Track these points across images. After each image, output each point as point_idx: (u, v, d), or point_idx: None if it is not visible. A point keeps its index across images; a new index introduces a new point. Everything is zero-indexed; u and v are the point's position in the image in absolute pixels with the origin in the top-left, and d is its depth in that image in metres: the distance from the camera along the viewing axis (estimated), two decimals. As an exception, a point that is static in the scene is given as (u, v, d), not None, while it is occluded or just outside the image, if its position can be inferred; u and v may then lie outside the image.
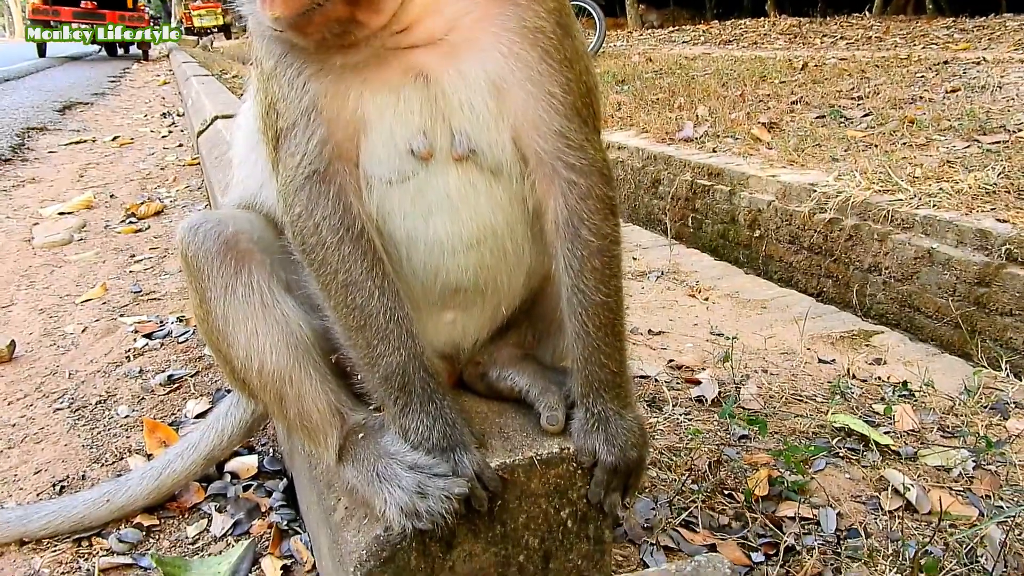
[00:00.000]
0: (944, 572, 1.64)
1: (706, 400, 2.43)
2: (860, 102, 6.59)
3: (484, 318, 1.50)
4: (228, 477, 2.06)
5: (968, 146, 4.89)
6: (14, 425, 2.40)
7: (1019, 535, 1.77)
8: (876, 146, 5.18)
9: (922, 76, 7.26)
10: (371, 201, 1.31)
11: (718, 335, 3.03)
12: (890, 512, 1.88)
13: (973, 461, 2.08)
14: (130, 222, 4.90)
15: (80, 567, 1.75)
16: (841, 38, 12.15)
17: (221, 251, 1.39)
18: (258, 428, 2.05)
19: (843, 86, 7.27)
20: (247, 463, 2.09)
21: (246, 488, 2.01)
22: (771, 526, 1.83)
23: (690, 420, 2.31)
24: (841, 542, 1.77)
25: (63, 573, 1.73)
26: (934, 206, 3.92)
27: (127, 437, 2.30)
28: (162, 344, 2.98)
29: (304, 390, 1.38)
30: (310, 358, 1.39)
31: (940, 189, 4.10)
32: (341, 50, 1.23)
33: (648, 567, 1.69)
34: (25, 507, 1.91)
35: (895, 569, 1.65)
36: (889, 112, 6.02)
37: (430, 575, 1.28)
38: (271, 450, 2.18)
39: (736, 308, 3.37)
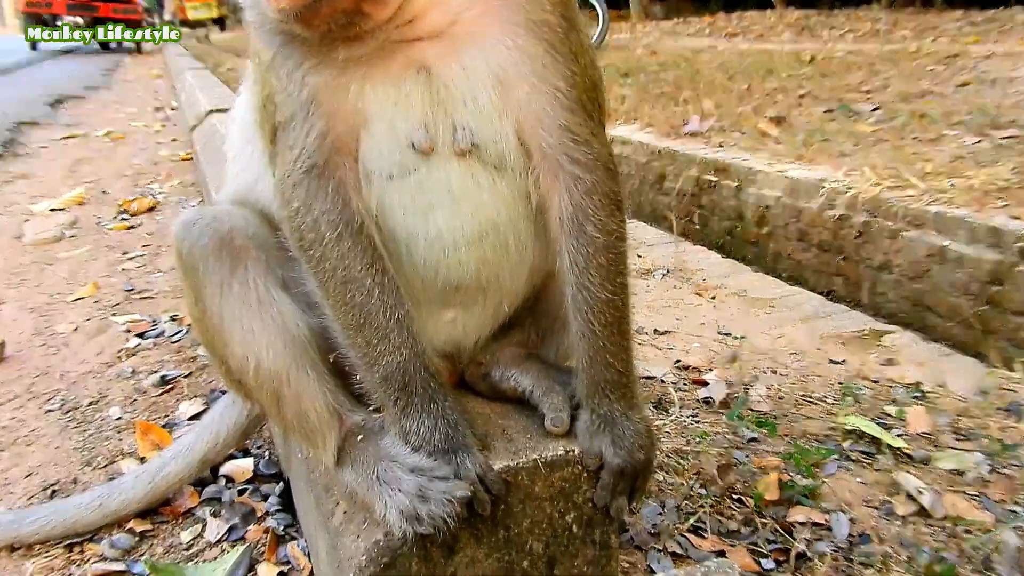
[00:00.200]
0: (959, 578, 1.63)
1: (714, 401, 2.42)
2: (869, 96, 6.57)
3: (486, 316, 1.49)
4: (223, 481, 2.05)
5: (979, 141, 4.87)
6: (4, 427, 2.40)
7: (1036, 540, 1.76)
8: (886, 141, 5.16)
9: (932, 70, 7.25)
10: (371, 196, 1.31)
11: (726, 335, 3.02)
12: (903, 517, 1.87)
13: (988, 464, 2.07)
14: (122, 219, 4.89)
15: (72, 573, 1.75)
16: (849, 31, 12.14)
17: (217, 248, 1.39)
18: (254, 430, 2.04)
19: (852, 80, 7.26)
20: (242, 466, 2.09)
21: (241, 492, 2.01)
22: (781, 531, 1.82)
23: (697, 422, 2.30)
24: (853, 548, 1.76)
25: (54, 579, 1.73)
26: (945, 202, 3.90)
27: (119, 440, 2.30)
28: (155, 344, 2.97)
29: (301, 390, 1.38)
30: (308, 357, 1.38)
31: (951, 185, 4.08)
32: (344, 42, 1.23)
33: (655, 574, 1.68)
34: (16, 512, 1.91)
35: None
36: (899, 106, 6.00)
37: (431, 581, 1.28)
38: (267, 453, 2.18)
39: (744, 307, 3.36)
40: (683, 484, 1.98)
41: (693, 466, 2.05)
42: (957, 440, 2.23)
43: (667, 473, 2.02)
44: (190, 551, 1.82)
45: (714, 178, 5.40)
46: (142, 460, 2.14)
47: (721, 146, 5.77)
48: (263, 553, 1.77)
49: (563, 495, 1.33)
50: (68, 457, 2.21)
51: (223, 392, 2.25)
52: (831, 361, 2.80)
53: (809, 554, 1.74)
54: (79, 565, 1.77)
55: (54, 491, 2.06)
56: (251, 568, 1.74)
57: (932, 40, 9.73)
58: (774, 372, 2.69)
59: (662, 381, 2.55)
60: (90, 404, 2.52)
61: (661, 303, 3.37)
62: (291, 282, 1.42)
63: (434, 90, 1.26)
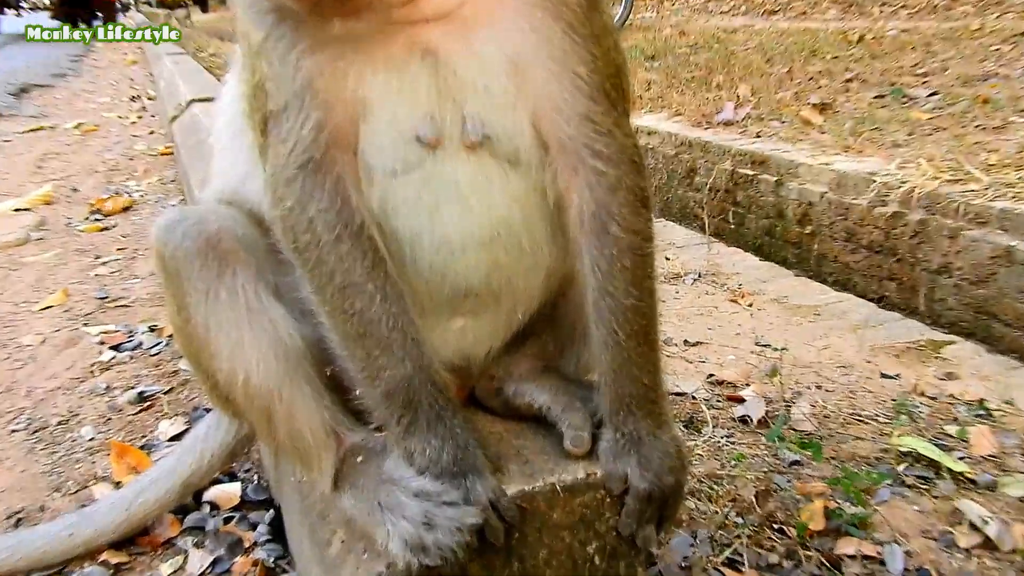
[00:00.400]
0: (1029, 618, 1.63)
1: (751, 421, 2.43)
2: (925, 79, 6.55)
3: (498, 325, 1.51)
4: (207, 508, 2.07)
5: (1051, 129, 4.85)
6: (-34, 449, 2.43)
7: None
8: (944, 129, 5.15)
9: (997, 49, 7.21)
10: (372, 194, 1.32)
11: (764, 346, 3.02)
12: (966, 550, 1.86)
13: (1062, 491, 2.07)
14: (95, 219, 4.94)
15: (41, 609, 1.77)
16: (902, 6, 12.07)
17: (202, 251, 1.40)
18: (242, 452, 2.06)
19: (905, 61, 7.23)
20: (229, 492, 2.11)
21: (227, 520, 2.02)
22: (828, 565, 1.82)
23: (733, 444, 2.30)
24: (909, 584, 1.76)
25: (22, 615, 1.75)
26: (1013, 198, 3.88)
27: (92, 463, 2.32)
28: (131, 357, 3.00)
29: (295, 407, 1.39)
30: (302, 371, 1.40)
31: (1019, 178, 4.07)
32: (341, 18, 1.23)
33: (686, 611, 1.69)
34: (-22, 542, 1.92)
35: (972, 615, 1.65)
36: (959, 91, 5.98)
37: (439, 618, 1.29)
38: (256, 477, 2.19)
39: (785, 315, 3.36)
40: (717, 512, 1.98)
41: (728, 492, 2.05)
42: (1026, 464, 2.23)
43: (699, 500, 2.03)
44: (171, 585, 1.84)
45: (751, 172, 5.40)
46: (117, 485, 2.16)
47: (758, 136, 5.77)
48: (251, 587, 1.79)
49: (584, 523, 1.34)
50: (35, 482, 2.24)
51: (207, 410, 2.27)
52: (883, 375, 2.79)
53: (859, 591, 1.74)
54: (49, 601, 1.80)
55: (19, 519, 2.08)
56: (238, 604, 1.75)
57: (997, 16, 9.67)
58: (819, 388, 2.69)
59: (694, 398, 2.55)
60: (59, 423, 2.55)
61: (692, 311, 3.37)
62: (284, 288, 1.44)
63: (441, 77, 1.27)
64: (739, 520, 1.95)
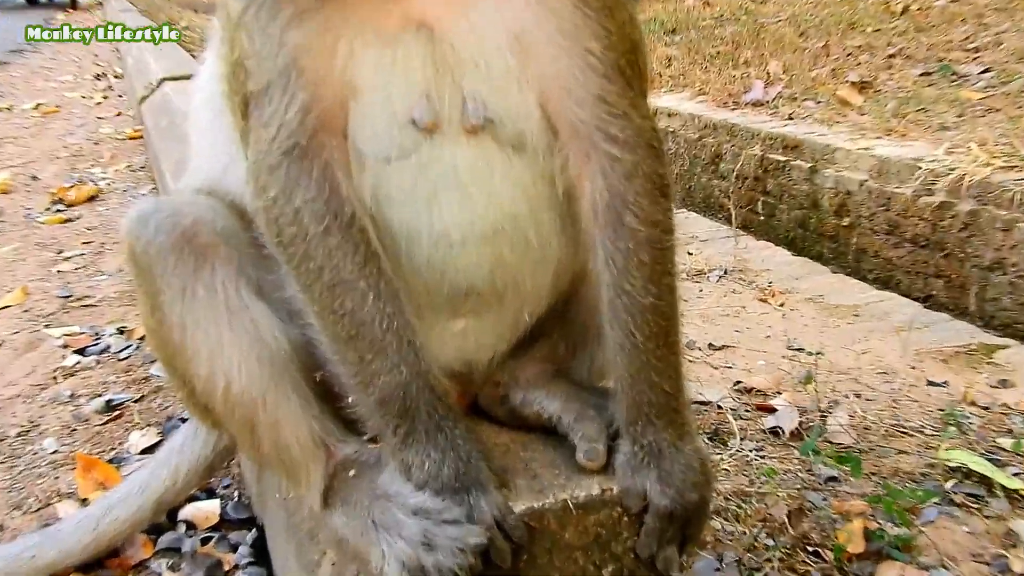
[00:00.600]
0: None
1: (783, 432, 2.43)
2: (977, 55, 6.53)
3: (503, 327, 1.51)
4: (183, 527, 2.09)
5: (1117, 110, 4.84)
6: (-83, 463, 2.45)
7: None
8: (998, 110, 5.14)
9: (1057, 21, 7.20)
10: (363, 182, 1.33)
11: (797, 350, 3.03)
12: (1021, 575, 1.87)
13: None
14: (57, 210, 4.97)
15: (0, 638, 1.79)
16: (952, -27, 12.06)
17: (177, 245, 1.41)
18: (221, 466, 2.07)
19: (955, 35, 7.21)
20: (206, 509, 2.12)
21: (205, 541, 2.04)
22: (867, 591, 1.83)
23: (763, 457, 2.31)
24: (958, 612, 1.77)
25: (-20, 645, 1.77)
26: (1074, 186, 3.89)
27: (55, 477, 2.34)
28: (98, 361, 3.02)
29: (281, 416, 1.40)
30: (288, 376, 1.41)
31: (1082, 164, 4.07)
32: None
33: (711, 642, 1.69)
34: (-69, 566, 1.94)
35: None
36: (1014, 67, 5.96)
37: (438, 648, 1.29)
38: (237, 493, 2.21)
39: (820, 316, 3.36)
40: (746, 533, 1.99)
41: (758, 511, 2.06)
42: (1088, 480, 2.23)
43: (726, 519, 2.03)
44: (143, 613, 1.85)
45: (782, 157, 5.40)
46: (84, 502, 2.18)
47: (791, 118, 5.77)
48: (232, 615, 1.81)
49: (599, 543, 1.35)
50: (-6, 499, 2.26)
51: (183, 419, 2.29)
52: (929, 383, 2.79)
53: (902, 620, 1.75)
54: (9, 629, 1.81)
55: (-23, 540, 2.10)
56: (218, 633, 1.77)
57: (1056, -17, 9.65)
58: (858, 396, 2.69)
59: (719, 407, 2.56)
60: (19, 435, 2.56)
61: (718, 311, 3.38)
62: (268, 286, 1.44)
63: (438, 52, 1.27)
64: (769, 542, 1.95)
